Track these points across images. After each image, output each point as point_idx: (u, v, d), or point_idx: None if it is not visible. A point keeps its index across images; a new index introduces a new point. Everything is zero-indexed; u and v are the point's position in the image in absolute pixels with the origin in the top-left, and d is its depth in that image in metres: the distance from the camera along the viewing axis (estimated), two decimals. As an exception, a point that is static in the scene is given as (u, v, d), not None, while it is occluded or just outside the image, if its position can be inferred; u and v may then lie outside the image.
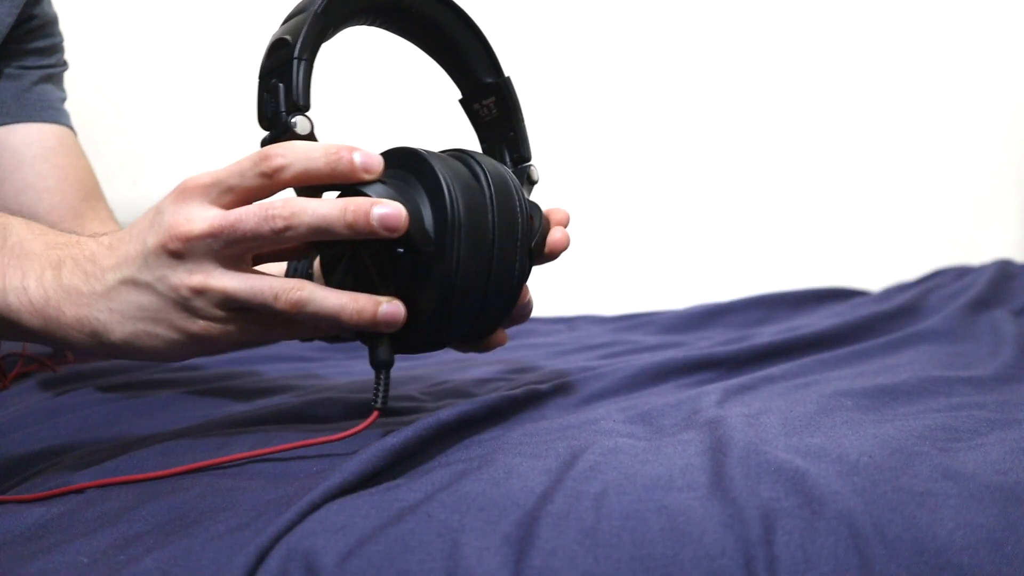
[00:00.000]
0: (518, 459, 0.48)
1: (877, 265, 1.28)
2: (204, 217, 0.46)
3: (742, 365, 0.78)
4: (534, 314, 0.74)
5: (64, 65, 0.83)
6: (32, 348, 0.93)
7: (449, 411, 0.55)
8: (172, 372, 0.85)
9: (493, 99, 0.62)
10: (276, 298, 0.47)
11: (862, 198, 1.30)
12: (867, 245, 1.30)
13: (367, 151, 0.48)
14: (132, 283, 0.47)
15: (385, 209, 0.46)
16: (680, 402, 0.61)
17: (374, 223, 0.46)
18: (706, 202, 1.31)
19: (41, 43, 0.79)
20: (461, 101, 0.64)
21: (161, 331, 0.48)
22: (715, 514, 0.39)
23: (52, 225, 0.72)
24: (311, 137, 0.49)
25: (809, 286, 1.16)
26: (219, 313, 0.48)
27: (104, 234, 0.50)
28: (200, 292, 0.47)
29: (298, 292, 0.47)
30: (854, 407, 0.58)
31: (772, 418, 0.54)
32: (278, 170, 0.46)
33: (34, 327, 0.49)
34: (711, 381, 0.74)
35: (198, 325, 0.48)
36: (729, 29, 1.29)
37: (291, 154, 0.46)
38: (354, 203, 0.46)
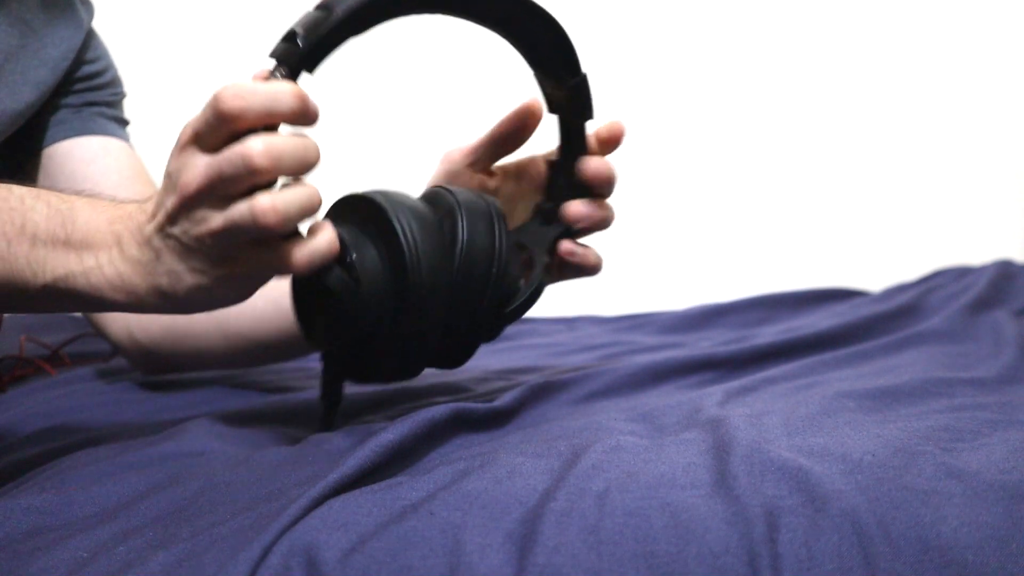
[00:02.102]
0: (520, 458, 0.48)
1: (877, 265, 1.28)
2: (194, 170, 0.48)
3: (743, 366, 0.78)
4: (534, 314, 0.74)
5: (123, 94, 0.85)
6: (28, 351, 0.93)
7: (444, 408, 0.55)
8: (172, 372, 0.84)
9: (565, 94, 0.61)
10: (250, 211, 0.48)
11: (862, 198, 1.30)
12: (867, 245, 1.30)
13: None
14: (170, 242, 0.50)
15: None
16: (681, 402, 0.61)
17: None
18: (706, 202, 1.31)
19: (99, 80, 0.82)
20: (536, 77, 0.62)
21: (210, 283, 0.51)
22: (718, 512, 0.39)
23: None
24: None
25: (809, 286, 1.16)
26: (235, 252, 0.50)
27: (149, 199, 0.53)
28: (213, 237, 0.49)
29: (262, 198, 0.48)
30: (856, 408, 0.58)
31: (774, 418, 0.54)
32: (234, 117, 0.47)
33: (120, 300, 0.52)
34: (712, 382, 0.74)
35: (232, 267, 0.50)
36: (729, 30, 1.29)
37: (249, 96, 0.47)
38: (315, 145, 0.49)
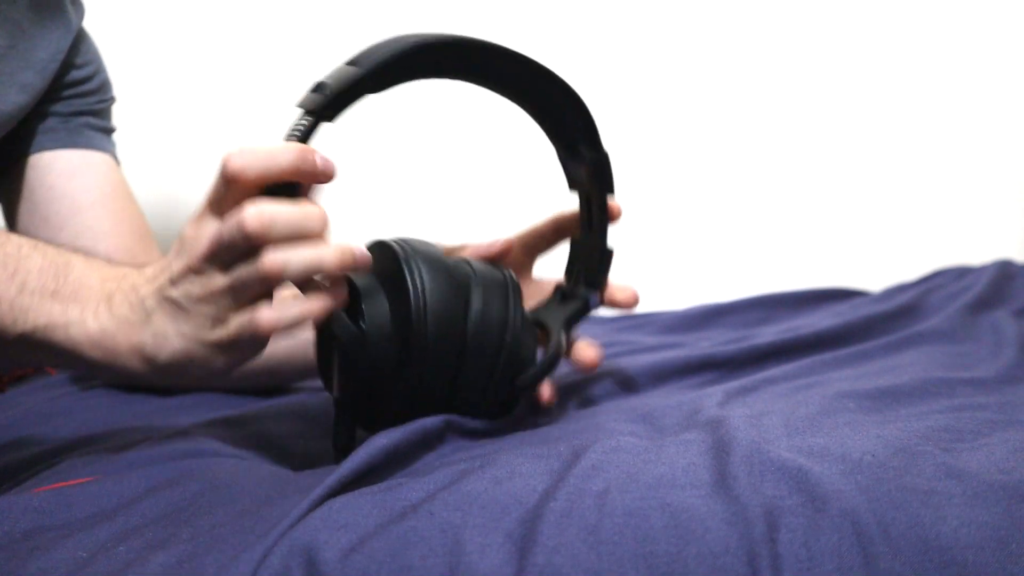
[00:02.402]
0: (520, 459, 0.48)
1: (877, 265, 1.27)
2: (205, 236, 0.49)
3: (743, 366, 0.78)
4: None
5: (112, 99, 0.86)
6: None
7: (437, 418, 0.55)
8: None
9: (586, 169, 0.61)
10: (256, 268, 0.49)
11: (862, 198, 1.30)
12: (867, 245, 1.29)
13: (327, 157, 0.50)
14: (166, 303, 0.51)
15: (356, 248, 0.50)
16: (681, 403, 0.61)
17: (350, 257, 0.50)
18: (706, 202, 1.31)
19: (88, 86, 0.82)
20: (558, 155, 0.63)
21: (195, 349, 0.51)
22: (718, 512, 0.39)
23: None
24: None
25: (809, 286, 1.16)
26: (233, 309, 0.50)
27: (148, 265, 0.54)
28: (216, 296, 0.50)
29: (273, 255, 0.49)
30: (856, 408, 0.58)
31: (774, 419, 0.54)
32: (237, 178, 0.48)
33: (95, 358, 0.52)
34: (712, 382, 0.74)
35: (223, 332, 0.50)
36: (729, 30, 1.29)
37: (250, 158, 0.48)
38: (325, 212, 0.49)
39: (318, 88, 0.52)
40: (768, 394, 0.65)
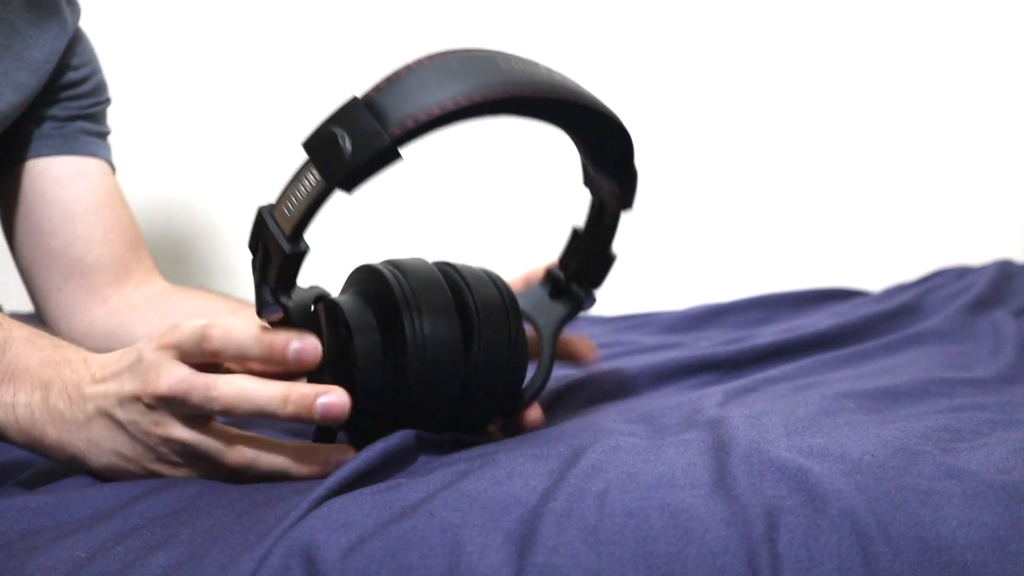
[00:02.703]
0: (519, 459, 0.48)
1: (877, 265, 1.27)
2: (169, 377, 0.48)
3: (743, 366, 0.78)
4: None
5: (107, 101, 0.86)
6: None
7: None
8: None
9: (619, 190, 0.58)
10: (222, 455, 0.50)
11: (862, 198, 1.30)
12: (867, 245, 1.29)
13: (306, 342, 0.50)
14: (108, 418, 0.50)
15: (328, 399, 0.49)
16: (681, 403, 0.61)
17: (316, 415, 0.49)
18: (706, 202, 1.31)
19: (84, 87, 0.82)
20: (584, 178, 0.59)
21: (132, 468, 0.51)
22: (718, 512, 0.39)
23: (101, 275, 0.80)
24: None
25: (809, 286, 1.16)
26: (180, 459, 0.51)
27: (94, 355, 0.53)
28: (167, 441, 0.50)
29: (242, 454, 0.50)
30: (856, 408, 0.58)
31: (774, 419, 0.54)
32: (214, 354, 0.49)
33: (18, 442, 0.52)
34: (712, 383, 0.74)
35: (164, 468, 0.51)
36: (728, 30, 1.29)
37: (226, 340, 0.49)
38: (296, 393, 0.49)
39: (330, 141, 0.44)
40: (768, 394, 0.65)
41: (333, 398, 0.49)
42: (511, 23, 1.26)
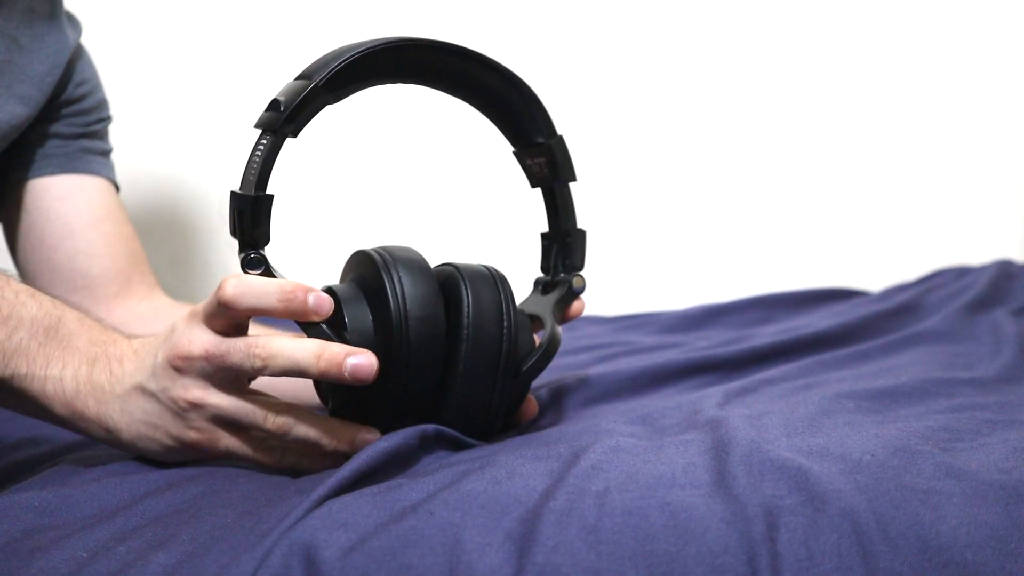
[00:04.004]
0: (519, 460, 0.48)
1: (877, 265, 1.27)
2: (201, 340, 0.51)
3: (742, 366, 0.78)
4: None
5: (109, 119, 0.87)
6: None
7: (438, 427, 0.55)
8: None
9: (543, 159, 0.63)
10: (265, 419, 0.52)
11: (862, 198, 1.30)
12: (867, 245, 1.29)
13: (319, 293, 0.52)
14: (142, 390, 0.53)
15: (358, 360, 0.51)
16: (681, 404, 0.61)
17: (345, 373, 0.51)
18: (706, 202, 1.31)
19: (86, 103, 0.83)
20: (515, 154, 0.64)
21: (160, 436, 0.53)
22: (718, 511, 0.39)
23: (104, 287, 0.82)
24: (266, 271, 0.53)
25: (809, 286, 1.16)
26: (211, 427, 0.53)
27: (139, 337, 0.56)
28: (195, 406, 0.52)
29: (285, 416, 0.52)
30: (855, 409, 0.58)
31: (774, 419, 0.54)
32: (230, 305, 0.50)
33: (63, 416, 0.54)
34: (711, 383, 0.74)
35: (191, 435, 0.53)
36: (728, 30, 1.29)
37: (244, 289, 0.50)
38: (329, 351, 0.51)
39: (272, 106, 0.53)
40: (767, 394, 0.65)
41: (362, 359, 0.51)
42: (509, 24, 1.26)
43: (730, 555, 0.37)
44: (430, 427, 0.54)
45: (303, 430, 0.53)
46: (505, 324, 0.55)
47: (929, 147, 1.29)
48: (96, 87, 0.85)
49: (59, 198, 0.81)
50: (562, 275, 0.64)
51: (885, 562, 0.37)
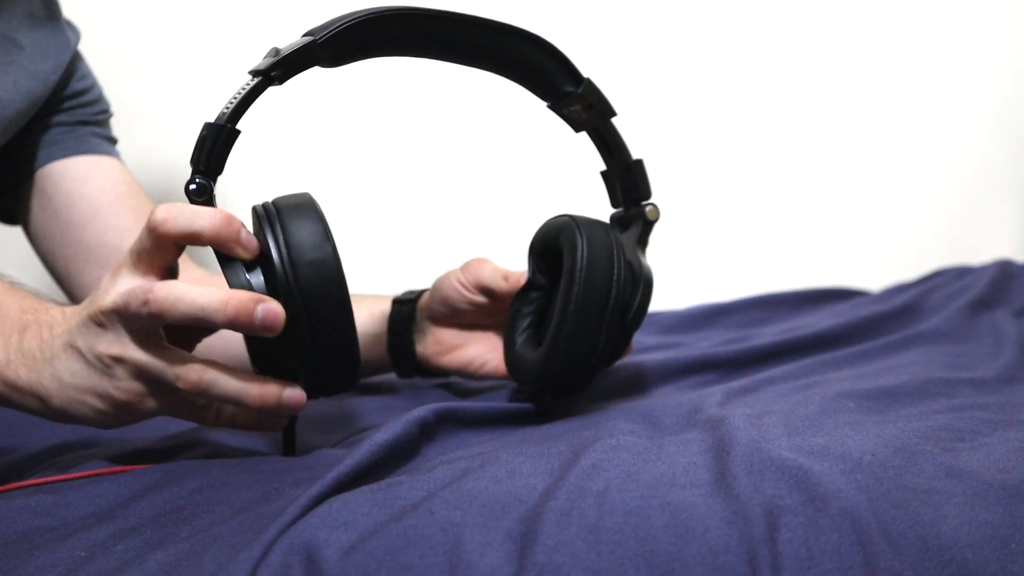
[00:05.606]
0: (520, 458, 0.48)
1: (877, 265, 1.27)
2: (115, 290, 0.48)
3: (743, 366, 0.78)
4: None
5: (110, 113, 0.87)
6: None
7: (437, 406, 0.55)
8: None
9: (579, 105, 0.63)
10: (177, 377, 0.49)
11: (862, 198, 1.30)
12: (867, 245, 1.29)
13: (248, 234, 0.50)
14: (70, 348, 0.50)
15: (268, 305, 0.48)
16: (681, 403, 0.61)
17: (256, 321, 0.48)
18: (706, 202, 1.31)
19: (89, 96, 0.83)
20: (549, 107, 0.64)
21: (90, 399, 0.51)
22: (718, 511, 0.39)
23: None
24: (207, 201, 0.51)
25: (809, 286, 1.16)
26: (137, 385, 0.50)
27: (69, 305, 0.53)
28: (117, 361, 0.49)
29: (199, 374, 0.49)
30: (856, 408, 0.58)
31: (774, 419, 0.54)
32: (156, 228, 0.48)
33: None
34: (712, 383, 0.74)
35: (120, 394, 0.50)
36: (727, 29, 1.29)
37: (175, 213, 0.48)
38: (237, 297, 0.48)
39: (270, 53, 0.53)
40: (768, 394, 0.65)
41: (272, 304, 0.48)
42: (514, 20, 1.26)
43: (731, 555, 0.37)
44: (429, 412, 0.54)
45: (222, 388, 0.49)
46: (615, 271, 0.58)
47: (929, 147, 1.29)
48: (96, 85, 0.85)
49: (79, 179, 0.81)
50: (634, 209, 0.65)
51: (886, 562, 0.36)
